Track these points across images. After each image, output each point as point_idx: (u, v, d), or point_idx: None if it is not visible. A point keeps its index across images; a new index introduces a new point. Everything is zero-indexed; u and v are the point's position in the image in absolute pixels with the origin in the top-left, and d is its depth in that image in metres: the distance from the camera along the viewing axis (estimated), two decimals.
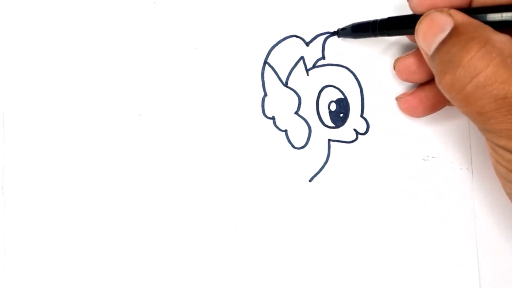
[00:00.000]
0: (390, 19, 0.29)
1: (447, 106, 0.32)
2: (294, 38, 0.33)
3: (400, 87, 0.33)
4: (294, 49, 0.33)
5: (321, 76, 0.33)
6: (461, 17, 0.24)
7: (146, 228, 0.31)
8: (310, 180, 0.32)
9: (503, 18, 0.24)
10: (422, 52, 0.26)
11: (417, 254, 0.32)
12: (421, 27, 0.26)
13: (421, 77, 0.30)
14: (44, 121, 0.31)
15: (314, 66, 0.33)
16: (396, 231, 0.32)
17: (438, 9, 0.25)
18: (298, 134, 0.33)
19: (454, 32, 0.24)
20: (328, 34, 0.33)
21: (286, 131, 0.32)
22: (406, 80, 0.31)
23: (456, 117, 0.33)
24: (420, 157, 0.33)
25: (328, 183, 0.32)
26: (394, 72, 0.32)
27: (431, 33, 0.25)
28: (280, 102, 0.33)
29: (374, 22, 0.30)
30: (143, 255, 0.31)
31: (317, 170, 0.32)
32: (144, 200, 0.31)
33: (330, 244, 0.32)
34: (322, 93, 0.33)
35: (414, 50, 0.31)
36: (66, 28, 0.32)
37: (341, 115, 0.33)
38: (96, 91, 0.32)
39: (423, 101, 0.31)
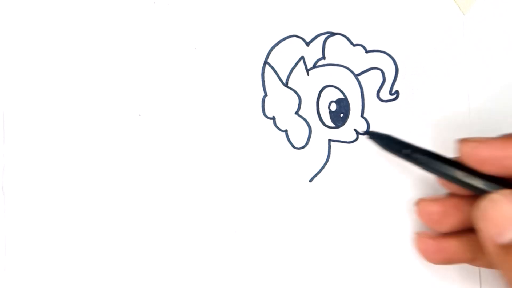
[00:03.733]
0: (432, 155, 0.25)
1: None
2: (294, 38, 0.33)
3: (399, 87, 0.33)
4: (294, 49, 0.33)
5: (321, 76, 0.33)
6: None
7: (146, 228, 0.31)
8: (310, 180, 0.32)
9: None
10: (482, 233, 0.22)
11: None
12: (492, 209, 0.21)
13: (445, 227, 0.27)
14: (44, 121, 0.31)
15: (314, 66, 0.33)
16: (396, 231, 0.32)
17: None
18: (298, 134, 0.33)
19: None
20: (328, 34, 0.33)
21: (286, 131, 0.32)
22: (427, 225, 0.28)
23: (456, 117, 0.33)
24: None
25: (328, 183, 0.32)
26: (394, 72, 0.32)
27: (504, 223, 0.21)
28: (280, 102, 0.33)
29: (409, 147, 0.27)
30: (143, 255, 0.31)
31: (317, 170, 0.32)
32: (144, 200, 0.31)
33: (331, 244, 0.32)
34: (323, 93, 0.33)
35: (441, 196, 0.28)
36: (66, 28, 0.32)
37: (341, 115, 0.33)
38: (96, 91, 0.32)
39: (443, 251, 0.27)
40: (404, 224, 0.32)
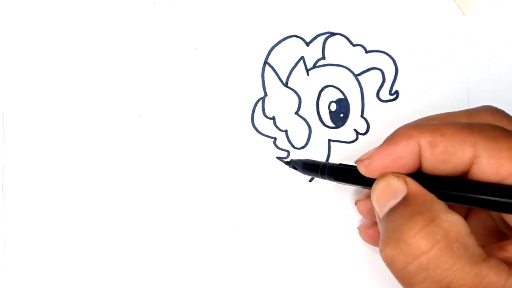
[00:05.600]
0: (340, 169, 0.27)
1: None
2: (294, 38, 0.33)
3: (399, 87, 0.33)
4: (294, 49, 0.33)
5: (321, 76, 0.33)
6: (415, 187, 0.23)
7: (146, 228, 0.31)
8: (310, 180, 0.32)
9: (454, 193, 0.23)
10: (376, 214, 0.25)
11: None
12: (376, 188, 0.24)
13: None
14: (44, 121, 0.31)
15: (314, 66, 0.33)
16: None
17: (396, 174, 0.24)
18: (298, 134, 0.32)
19: (404, 202, 0.23)
20: (328, 34, 0.33)
21: (286, 131, 0.32)
22: (368, 219, 0.30)
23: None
24: None
25: (328, 183, 0.32)
26: (394, 72, 0.32)
27: (384, 197, 0.24)
28: (280, 102, 0.33)
29: (324, 166, 0.28)
30: (143, 255, 0.31)
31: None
32: (144, 200, 0.31)
33: (330, 244, 0.32)
34: (322, 93, 0.33)
35: None
36: (66, 28, 0.32)
37: (341, 115, 0.33)
38: (96, 91, 0.32)
39: None
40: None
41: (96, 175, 0.31)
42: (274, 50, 0.33)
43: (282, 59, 0.33)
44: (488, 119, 0.25)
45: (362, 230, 0.31)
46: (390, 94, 0.33)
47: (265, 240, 0.32)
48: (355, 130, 0.33)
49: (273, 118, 0.32)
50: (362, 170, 0.25)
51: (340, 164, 0.28)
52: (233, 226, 0.32)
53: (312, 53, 0.33)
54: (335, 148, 0.33)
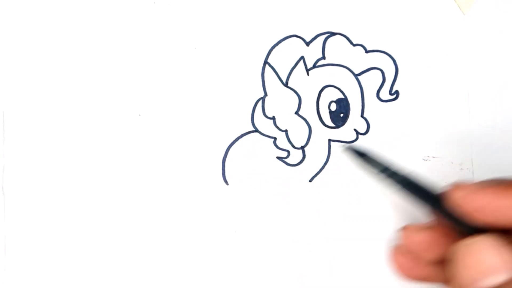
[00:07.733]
0: (412, 184, 0.23)
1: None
2: (294, 38, 0.33)
3: (399, 87, 0.33)
4: (294, 49, 0.33)
5: (321, 76, 0.33)
6: None
7: (146, 228, 0.31)
8: (310, 180, 0.32)
9: None
10: (456, 277, 0.20)
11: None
12: (469, 252, 0.20)
13: (431, 256, 0.23)
14: (44, 121, 0.31)
15: (314, 66, 0.33)
16: (395, 231, 0.32)
17: (499, 241, 0.19)
18: (298, 134, 0.33)
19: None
20: (328, 34, 0.33)
21: (286, 131, 0.32)
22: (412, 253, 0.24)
23: (456, 116, 0.33)
24: (420, 157, 0.33)
25: (328, 183, 0.32)
26: (394, 72, 0.32)
27: (481, 267, 0.19)
28: (280, 102, 0.33)
29: (387, 170, 0.24)
30: (143, 255, 0.31)
31: (317, 170, 0.32)
32: (144, 200, 0.31)
33: (330, 244, 0.32)
34: (323, 93, 0.33)
35: (428, 224, 0.24)
36: (66, 28, 0.32)
37: (342, 115, 0.33)
38: (96, 91, 0.32)
39: (419, 271, 0.24)
40: (403, 224, 0.32)
41: (96, 175, 0.31)
42: (274, 50, 0.33)
43: (282, 59, 0.33)
44: None
45: (396, 253, 0.24)
46: (390, 94, 0.33)
47: (265, 240, 0.32)
48: (355, 130, 0.33)
49: (273, 118, 0.32)
50: (455, 197, 0.21)
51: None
52: (233, 226, 0.32)
53: (312, 53, 0.33)
54: (335, 148, 0.33)
